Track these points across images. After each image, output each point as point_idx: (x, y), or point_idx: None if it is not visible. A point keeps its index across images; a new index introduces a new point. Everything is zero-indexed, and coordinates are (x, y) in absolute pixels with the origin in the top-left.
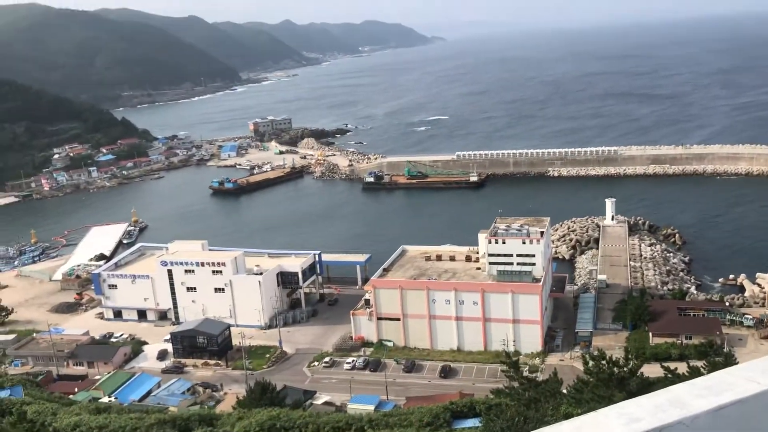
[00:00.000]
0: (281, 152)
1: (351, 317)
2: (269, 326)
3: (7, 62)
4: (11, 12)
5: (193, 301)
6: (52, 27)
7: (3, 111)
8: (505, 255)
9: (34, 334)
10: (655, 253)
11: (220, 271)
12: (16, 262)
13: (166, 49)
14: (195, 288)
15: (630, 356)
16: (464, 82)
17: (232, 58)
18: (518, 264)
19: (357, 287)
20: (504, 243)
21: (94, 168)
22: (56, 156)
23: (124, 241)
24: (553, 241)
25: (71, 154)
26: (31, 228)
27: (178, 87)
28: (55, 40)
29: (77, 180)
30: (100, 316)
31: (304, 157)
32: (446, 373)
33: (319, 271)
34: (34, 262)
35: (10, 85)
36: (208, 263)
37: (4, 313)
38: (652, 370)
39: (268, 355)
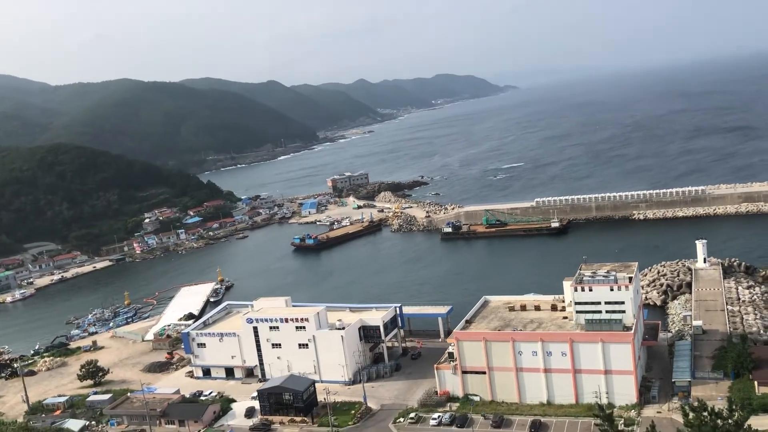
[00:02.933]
0: (359, 207)
1: (435, 371)
2: (353, 381)
3: (102, 135)
4: (104, 88)
5: (278, 358)
6: (142, 99)
7: (99, 181)
8: (592, 303)
9: (129, 394)
10: (755, 296)
11: (304, 327)
12: (111, 324)
13: (247, 114)
14: (280, 344)
15: (735, 407)
16: (540, 128)
17: (310, 119)
18: (607, 312)
19: (440, 340)
20: (591, 290)
21: (182, 230)
22: (147, 220)
23: (212, 300)
24: (642, 287)
25: (160, 218)
26: (125, 290)
27: (260, 149)
28: (144, 112)
29: (166, 242)
30: (190, 374)
31: (382, 211)
32: (537, 428)
33: (400, 325)
34: (127, 323)
35: (105, 156)
36: (291, 319)
37: (101, 374)
38: (760, 423)
39: (353, 412)
